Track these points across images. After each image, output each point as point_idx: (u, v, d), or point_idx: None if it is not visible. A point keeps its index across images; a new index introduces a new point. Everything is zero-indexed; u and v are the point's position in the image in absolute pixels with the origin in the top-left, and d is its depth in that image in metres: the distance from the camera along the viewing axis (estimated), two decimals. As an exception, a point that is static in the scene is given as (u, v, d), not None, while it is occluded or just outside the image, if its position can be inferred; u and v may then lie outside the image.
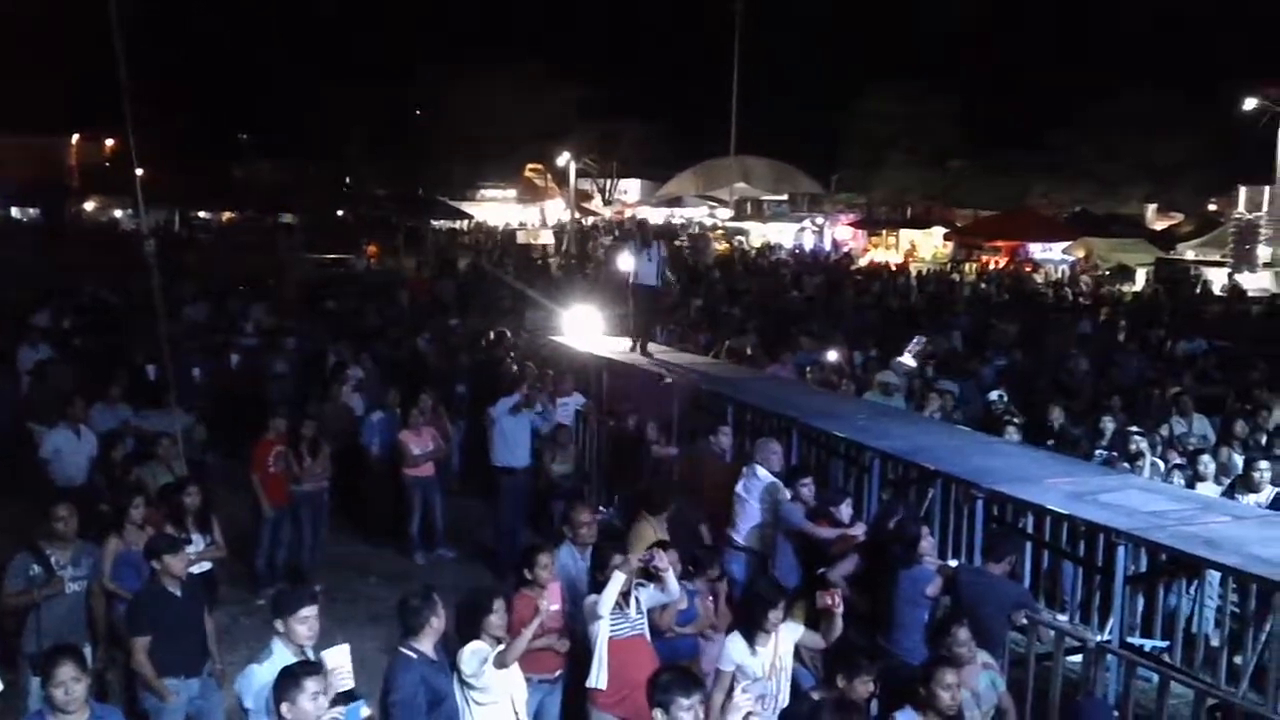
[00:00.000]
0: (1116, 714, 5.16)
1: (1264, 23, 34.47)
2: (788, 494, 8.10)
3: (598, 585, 6.28)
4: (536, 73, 48.17)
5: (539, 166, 51.98)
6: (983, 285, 28.04)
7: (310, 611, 5.34)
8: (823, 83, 48.82)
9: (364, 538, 11.20)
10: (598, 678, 6.08)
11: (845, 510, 7.91)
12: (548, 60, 48.88)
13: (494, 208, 52.79)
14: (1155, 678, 6.43)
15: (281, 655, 5.27)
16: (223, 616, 8.27)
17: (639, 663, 5.93)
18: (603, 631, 6.10)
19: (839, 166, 50.12)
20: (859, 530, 7.71)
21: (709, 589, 7.13)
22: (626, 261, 13.42)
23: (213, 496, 8.60)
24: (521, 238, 43.31)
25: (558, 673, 6.57)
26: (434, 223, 45.54)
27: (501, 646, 5.68)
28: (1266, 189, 32.75)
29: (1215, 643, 7.21)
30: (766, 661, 5.94)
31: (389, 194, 47.37)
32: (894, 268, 34.06)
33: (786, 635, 6.05)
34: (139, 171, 12.60)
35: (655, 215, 51.78)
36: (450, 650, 5.73)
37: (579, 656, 6.39)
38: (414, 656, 5.43)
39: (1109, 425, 10.34)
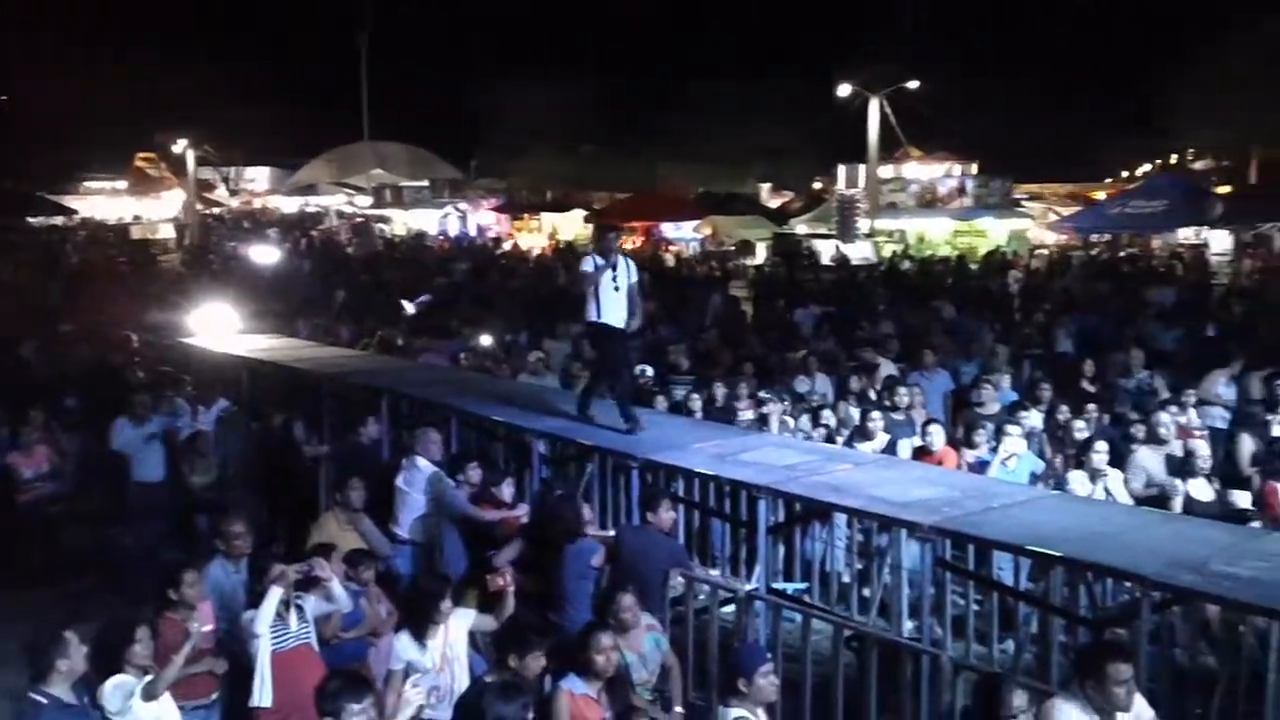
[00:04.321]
0: (769, 655, 5.55)
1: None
2: (451, 482, 8.07)
3: (256, 599, 5.97)
4: (147, 55, 44.69)
5: (151, 155, 48.28)
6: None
7: None
8: (457, 67, 48.75)
9: (-26, 576, 9.98)
10: (261, 695, 5.78)
11: (507, 490, 8.01)
12: (161, 42, 45.49)
13: (102, 201, 48.43)
14: (799, 617, 6.98)
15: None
16: None
17: (306, 674, 5.67)
18: (263, 647, 5.80)
19: (477, 152, 50.29)
20: (522, 511, 7.82)
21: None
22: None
23: None
24: (137, 232, 40.09)
25: (214, 696, 6.20)
26: (30, 220, 41.12)
27: (149, 677, 5.26)
28: (861, 167, 36.25)
29: (847, 579, 7.92)
30: (437, 654, 5.89)
31: (-29, 190, 42.24)
32: (541, 251, 34.77)
33: (457, 624, 6.03)
34: None
35: (288, 205, 49.69)
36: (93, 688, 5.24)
37: (240, 675, 6.04)
38: (45, 702, 4.94)
39: (744, 389, 11.07)
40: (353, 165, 46.92)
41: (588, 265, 8.64)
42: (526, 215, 43.43)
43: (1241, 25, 37.90)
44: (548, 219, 42.68)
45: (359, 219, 43.71)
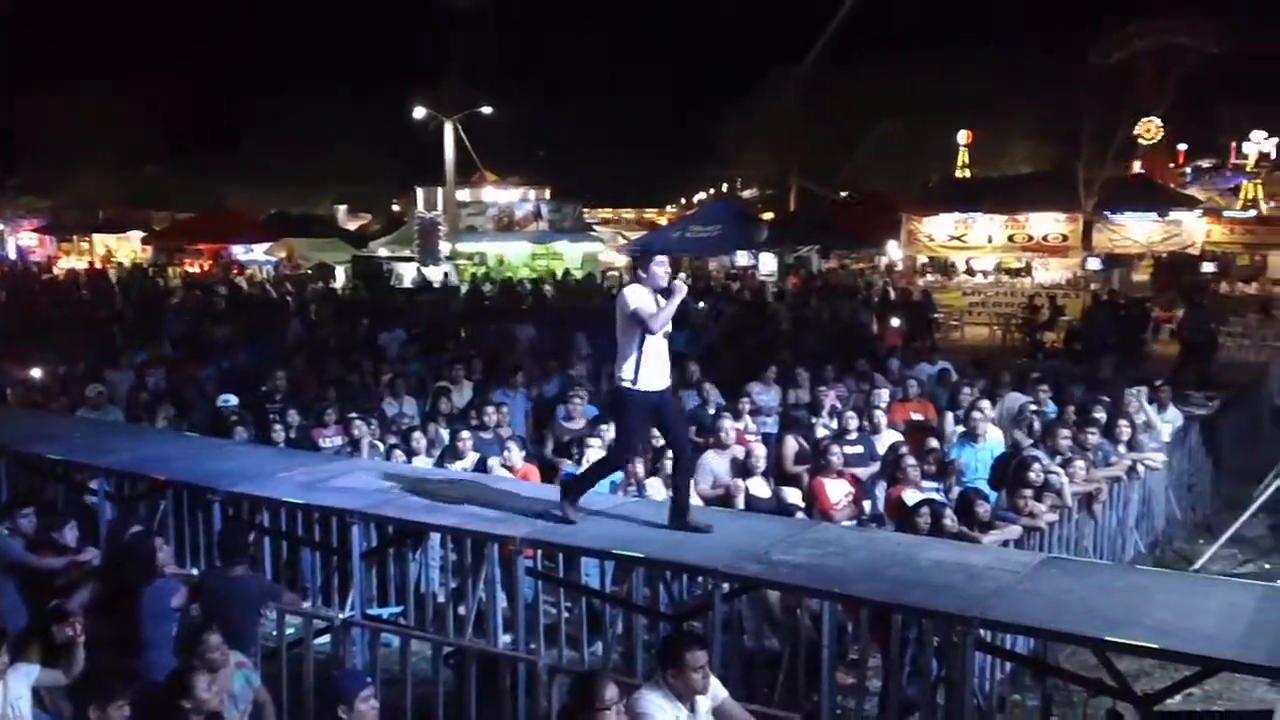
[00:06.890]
0: (369, 680, 5.51)
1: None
2: (4, 530, 7.27)
3: None
4: None
5: None
6: (197, 291, 27.24)
7: None
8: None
9: None
10: None
11: (70, 534, 7.36)
12: None
13: None
14: (396, 641, 6.98)
15: None
16: None
17: None
18: None
19: (19, 169, 45.09)
20: (90, 554, 7.22)
21: None
22: (640, 300, 6.58)
23: None
24: None
25: None
26: None
27: None
28: (440, 190, 36.65)
29: (442, 599, 8.01)
30: (-5, 716, 5.33)
31: None
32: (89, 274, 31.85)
33: (17, 682, 5.50)
34: None
35: None
36: None
37: None
38: None
39: (330, 415, 10.82)
40: None
41: (639, 299, 6.47)
42: (76, 236, 39.81)
43: (783, 69, 42.80)
44: (100, 240, 39.35)
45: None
